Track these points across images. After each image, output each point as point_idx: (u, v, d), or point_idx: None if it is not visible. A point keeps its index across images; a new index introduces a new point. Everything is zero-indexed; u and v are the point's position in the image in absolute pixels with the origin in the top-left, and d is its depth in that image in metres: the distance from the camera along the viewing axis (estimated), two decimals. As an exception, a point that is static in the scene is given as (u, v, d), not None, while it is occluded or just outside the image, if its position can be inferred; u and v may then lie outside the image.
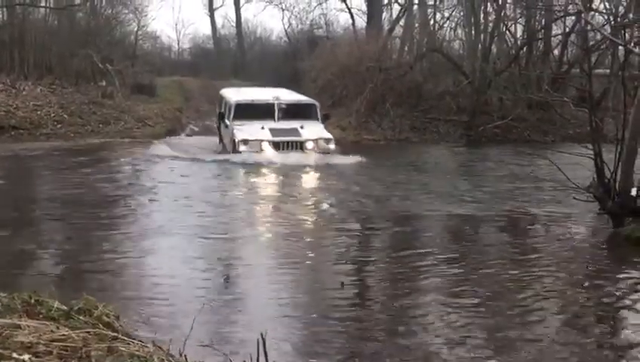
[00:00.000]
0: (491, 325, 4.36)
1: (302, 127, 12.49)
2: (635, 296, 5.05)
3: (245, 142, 12.15)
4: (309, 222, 7.72)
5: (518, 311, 4.66)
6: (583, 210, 7.74)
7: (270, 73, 28.84)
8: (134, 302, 4.45)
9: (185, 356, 2.80)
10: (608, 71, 22.37)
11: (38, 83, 19.07)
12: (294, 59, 26.91)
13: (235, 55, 36.86)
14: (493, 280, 5.44)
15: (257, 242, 6.72)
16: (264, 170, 11.42)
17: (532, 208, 8.38)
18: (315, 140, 12.36)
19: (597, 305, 4.86)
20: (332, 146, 12.59)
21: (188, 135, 19.00)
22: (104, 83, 20.85)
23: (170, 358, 2.61)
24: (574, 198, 7.51)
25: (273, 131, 12.41)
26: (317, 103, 13.60)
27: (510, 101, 21.74)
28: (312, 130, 12.62)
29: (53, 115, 17.44)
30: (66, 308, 3.30)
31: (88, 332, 2.96)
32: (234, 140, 12.41)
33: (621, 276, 5.61)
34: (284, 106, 13.20)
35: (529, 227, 7.54)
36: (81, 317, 3.27)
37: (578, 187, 7.28)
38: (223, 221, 7.39)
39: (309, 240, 6.76)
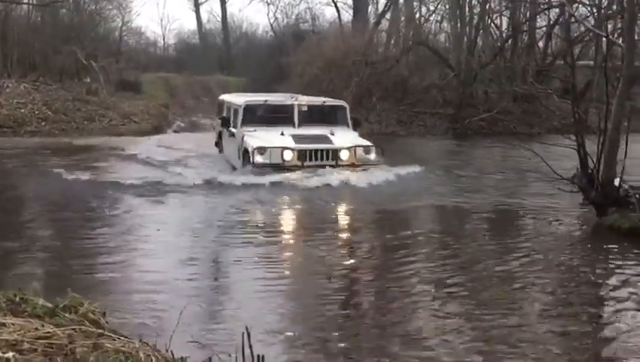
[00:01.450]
0: (478, 315, 4.40)
1: (332, 134, 10.03)
2: (617, 284, 5.12)
3: (262, 150, 9.46)
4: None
5: (503, 302, 4.70)
6: (568, 200, 7.81)
7: (256, 68, 28.74)
8: (121, 299, 4.44)
9: (171, 351, 2.80)
10: (592, 63, 22.65)
11: (21, 80, 18.89)
12: (280, 54, 26.83)
13: (220, 50, 36.69)
14: (479, 270, 5.49)
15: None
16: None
17: (516, 199, 8.46)
18: (352, 148, 9.79)
19: (580, 294, 4.92)
20: (373, 156, 9.92)
21: (175, 131, 18.93)
22: (88, 80, 20.68)
23: (157, 354, 2.61)
24: (559, 189, 7.58)
25: (297, 138, 9.77)
26: (346, 105, 11.06)
27: (496, 94, 21.90)
28: (346, 137, 10.12)
29: (37, 112, 17.29)
30: (51, 305, 3.28)
31: (74, 329, 2.96)
32: (246, 149, 9.78)
33: (604, 265, 5.69)
34: (305, 109, 10.57)
35: (513, 218, 7.61)
36: (66, 315, 3.25)
37: (562, 178, 7.35)
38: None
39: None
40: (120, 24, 27.35)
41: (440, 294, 4.76)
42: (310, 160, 9.54)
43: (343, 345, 3.84)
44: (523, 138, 18.10)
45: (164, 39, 39.67)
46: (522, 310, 4.57)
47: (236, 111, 10.62)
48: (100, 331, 2.79)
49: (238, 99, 11.29)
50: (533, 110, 21.67)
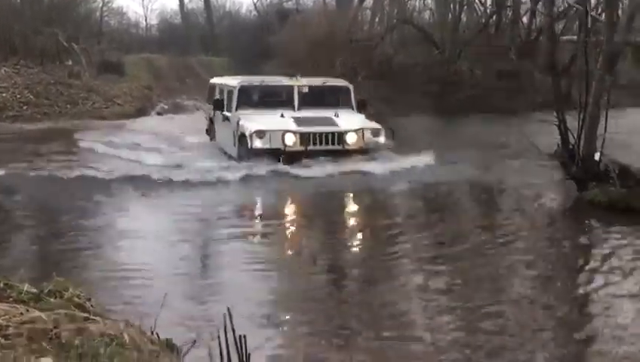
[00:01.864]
0: (463, 292, 4.50)
1: (337, 115, 9.27)
2: (596, 258, 5.23)
3: (261, 134, 8.69)
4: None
5: (486, 277, 4.80)
6: (549, 176, 7.93)
7: (241, 48, 28.47)
8: (107, 283, 4.46)
9: (157, 333, 2.85)
10: (575, 37, 22.73)
11: (2, 64, 18.58)
12: (264, 33, 26.59)
13: (203, 30, 36.23)
14: (462, 247, 5.57)
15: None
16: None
17: (499, 175, 8.52)
18: (359, 131, 9.01)
19: (560, 269, 5.03)
20: (382, 139, 9.17)
21: (158, 113, 18.77)
22: (70, 62, 20.38)
23: (142, 336, 2.65)
24: (541, 165, 7.68)
25: (298, 120, 9.04)
26: (350, 86, 10.15)
27: (480, 70, 21.96)
28: (352, 119, 9.37)
29: (18, 96, 17.06)
30: (36, 290, 3.31)
31: (59, 313, 2.99)
32: (242, 134, 9.01)
33: (583, 239, 5.80)
34: (305, 90, 9.78)
35: (496, 194, 7.69)
36: (51, 300, 3.28)
37: (544, 153, 7.44)
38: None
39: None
40: (101, 4, 26.89)
41: (424, 274, 4.83)
42: (314, 144, 8.76)
43: (327, 326, 3.90)
44: (507, 114, 18.34)
45: (146, 20, 39.07)
46: (506, 286, 4.67)
47: (230, 94, 9.86)
48: (85, 315, 2.82)
49: (232, 80, 10.55)
50: (517, 86, 21.76)
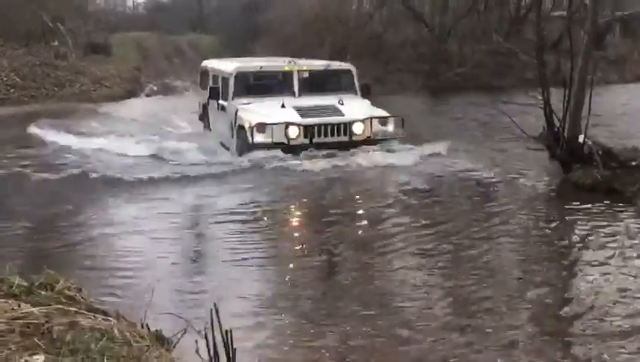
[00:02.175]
0: (451, 275, 4.61)
1: (341, 103, 8.63)
2: (579, 239, 5.36)
3: (262, 127, 8.08)
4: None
5: (475, 263, 4.90)
6: (535, 158, 8.03)
7: (230, 27, 28.22)
8: (97, 274, 4.52)
9: (146, 325, 2.92)
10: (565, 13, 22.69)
11: (-14, 46, 18.36)
12: (253, 12, 26.34)
13: (192, 8, 35.82)
14: (449, 231, 5.67)
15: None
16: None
17: (485, 157, 8.57)
18: (367, 121, 8.41)
19: (545, 251, 5.14)
20: (391, 128, 8.61)
21: (147, 95, 18.67)
22: (56, 43, 20.15)
23: (132, 330, 2.73)
24: (527, 147, 7.77)
25: (301, 110, 8.39)
26: (354, 69, 9.52)
27: (469, 48, 21.93)
28: (357, 107, 8.73)
29: (5, 78, 16.86)
30: (27, 284, 3.36)
31: (50, 305, 3.05)
32: (241, 126, 8.45)
33: (568, 220, 5.91)
34: (306, 75, 9.20)
35: (481, 175, 7.71)
36: (42, 292, 3.33)
37: (529, 136, 7.52)
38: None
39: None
40: (86, -17, 26.48)
41: (415, 262, 4.90)
42: (319, 136, 8.20)
43: (319, 317, 3.98)
44: (497, 92, 18.37)
45: (133, -2, 38.55)
46: (491, 266, 4.78)
47: (226, 81, 9.15)
48: (76, 309, 2.88)
49: (226, 65, 9.74)
50: (507, 63, 21.77)
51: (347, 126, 8.31)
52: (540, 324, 3.80)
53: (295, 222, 6.36)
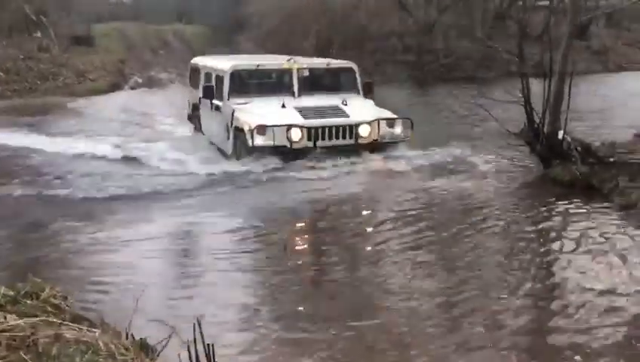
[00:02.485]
0: (433, 274, 4.72)
1: (345, 103, 8.21)
2: (555, 235, 5.48)
3: (263, 130, 7.56)
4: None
5: (458, 259, 5.01)
6: (517, 153, 8.15)
7: (215, 17, 28.08)
8: (82, 281, 4.56)
9: (131, 334, 2.99)
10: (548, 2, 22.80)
11: (-33, 39, 18.15)
12: (239, 3, 26.21)
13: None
14: (427, 225, 5.75)
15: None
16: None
17: (466, 152, 8.63)
18: (373, 123, 7.95)
19: (522, 247, 5.25)
20: (399, 130, 8.16)
21: (132, 87, 18.57)
22: (39, 34, 19.96)
23: (116, 341, 2.79)
24: (508, 144, 7.89)
25: (303, 111, 7.92)
26: (355, 67, 8.95)
27: (455, 39, 22.02)
28: (362, 107, 8.30)
29: (-12, 72, 16.72)
30: (12, 293, 3.41)
31: (36, 316, 3.11)
32: (238, 128, 7.94)
33: (545, 216, 6.03)
34: (306, 73, 8.75)
35: (461, 171, 7.77)
36: (28, 302, 3.39)
37: (510, 132, 7.62)
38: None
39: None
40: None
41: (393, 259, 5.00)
42: (323, 139, 7.72)
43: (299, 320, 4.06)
44: (481, 83, 18.49)
45: (117, -13, 38.03)
46: (471, 259, 4.90)
47: (220, 79, 8.60)
48: (61, 320, 2.94)
49: (221, 63, 9.11)
50: (492, 55, 21.91)
51: (353, 128, 7.84)
52: (519, 321, 3.91)
53: (292, 240, 5.71)
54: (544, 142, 7.26)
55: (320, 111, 7.99)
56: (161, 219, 6.06)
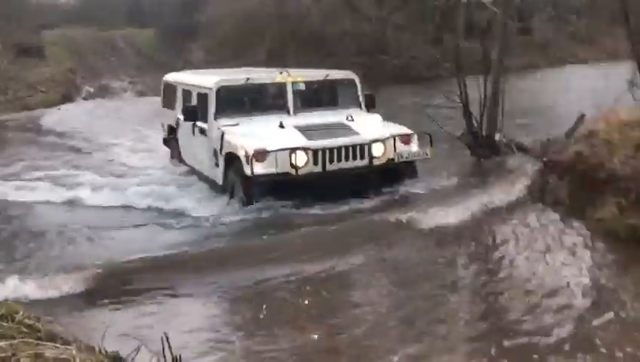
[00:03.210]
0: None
1: (351, 119, 7.21)
2: (491, 238, 5.93)
3: (263, 155, 6.52)
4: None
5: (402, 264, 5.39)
6: (460, 155, 8.59)
7: (168, 22, 27.90)
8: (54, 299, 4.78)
9: (104, 349, 3.28)
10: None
11: None
12: (193, 8, 26.15)
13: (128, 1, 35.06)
14: (370, 229, 6.00)
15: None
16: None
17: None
18: (388, 140, 6.94)
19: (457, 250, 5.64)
20: (415, 148, 7.15)
21: (84, 98, 18.44)
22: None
23: (91, 356, 3.09)
24: (449, 147, 8.32)
25: (306, 131, 6.86)
26: (356, 78, 7.99)
27: (406, 39, 22.64)
28: (370, 123, 7.27)
29: None
30: (-12, 316, 3.64)
31: (14, 337, 3.38)
32: (231, 155, 6.91)
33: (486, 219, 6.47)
34: (302, 87, 7.70)
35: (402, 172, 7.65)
36: (4, 324, 3.64)
37: (452, 136, 8.12)
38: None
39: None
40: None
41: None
42: (331, 162, 6.66)
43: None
44: (434, 81, 18.99)
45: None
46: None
47: (204, 98, 7.53)
48: (38, 341, 3.21)
49: (203, 79, 8.09)
50: (443, 52, 22.63)
51: (365, 148, 6.77)
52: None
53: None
54: (483, 145, 7.78)
55: (324, 130, 6.89)
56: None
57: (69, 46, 25.14)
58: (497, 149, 7.68)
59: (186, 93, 8.30)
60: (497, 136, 7.69)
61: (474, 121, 7.77)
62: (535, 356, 3.80)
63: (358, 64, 21.72)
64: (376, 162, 6.82)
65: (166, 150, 9.26)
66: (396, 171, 7.07)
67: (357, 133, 6.87)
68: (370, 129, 7.06)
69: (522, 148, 7.66)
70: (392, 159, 6.94)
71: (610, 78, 9.46)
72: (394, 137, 6.98)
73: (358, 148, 6.75)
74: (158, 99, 9.74)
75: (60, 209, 7.46)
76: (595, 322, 4.16)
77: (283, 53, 19.78)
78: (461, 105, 7.96)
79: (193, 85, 8.16)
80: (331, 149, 6.66)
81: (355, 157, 6.76)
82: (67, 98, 17.53)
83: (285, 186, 6.58)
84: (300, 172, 6.57)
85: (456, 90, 8.04)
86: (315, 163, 6.61)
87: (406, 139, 7.12)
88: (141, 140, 10.81)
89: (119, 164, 9.62)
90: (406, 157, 7.02)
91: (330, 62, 21.25)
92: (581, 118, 7.46)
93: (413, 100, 15.00)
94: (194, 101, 7.86)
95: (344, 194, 6.76)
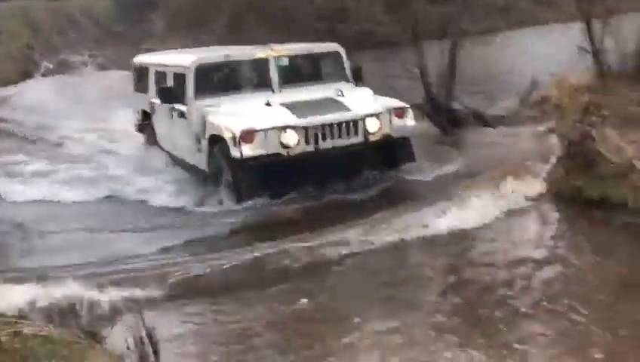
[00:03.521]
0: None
1: (341, 94, 6.85)
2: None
3: (251, 135, 6.14)
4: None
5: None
6: (423, 123, 8.77)
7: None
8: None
9: (82, 326, 3.47)
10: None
11: None
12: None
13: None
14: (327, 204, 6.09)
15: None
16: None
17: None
18: (383, 115, 6.57)
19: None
20: (410, 122, 6.83)
21: (43, 75, 17.99)
22: None
23: (69, 331, 3.27)
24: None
25: (294, 108, 6.50)
26: (342, 50, 7.55)
27: (367, 3, 22.59)
28: (362, 97, 6.91)
29: None
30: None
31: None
32: (215, 137, 6.52)
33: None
34: (286, 63, 7.22)
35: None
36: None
37: (412, 104, 8.28)
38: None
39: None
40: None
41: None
42: (324, 139, 6.30)
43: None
44: (397, 47, 19.08)
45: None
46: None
47: (181, 78, 7.10)
48: (16, 319, 3.38)
49: (178, 59, 7.73)
50: (404, 18, 22.67)
51: (358, 123, 6.41)
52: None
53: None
54: (441, 113, 8.05)
55: (314, 106, 6.52)
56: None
57: (24, 19, 24.32)
58: (456, 118, 7.94)
59: (160, 75, 7.82)
60: (455, 105, 7.94)
61: (432, 89, 7.99)
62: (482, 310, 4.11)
63: (319, 30, 21.74)
64: (371, 138, 6.46)
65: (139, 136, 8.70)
66: (394, 148, 6.75)
67: (349, 109, 6.52)
68: (363, 103, 6.70)
69: (480, 117, 7.95)
70: (389, 135, 6.58)
71: (567, 39, 9.65)
72: (389, 111, 6.62)
73: (351, 124, 6.39)
74: (121, 74, 9.48)
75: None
76: (539, 275, 4.51)
77: (241, 23, 19.58)
78: (416, 76, 8.14)
79: (168, 66, 7.69)
80: (323, 126, 6.31)
81: (349, 134, 6.39)
82: (25, 75, 17.10)
83: (276, 169, 6.18)
84: (292, 152, 6.20)
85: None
86: (307, 142, 6.26)
87: (400, 113, 6.73)
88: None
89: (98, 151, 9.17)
90: (402, 133, 6.69)
91: (290, 30, 21.21)
92: (534, 84, 7.77)
93: (377, 67, 15.05)
94: (170, 83, 7.39)
95: (339, 175, 6.52)
